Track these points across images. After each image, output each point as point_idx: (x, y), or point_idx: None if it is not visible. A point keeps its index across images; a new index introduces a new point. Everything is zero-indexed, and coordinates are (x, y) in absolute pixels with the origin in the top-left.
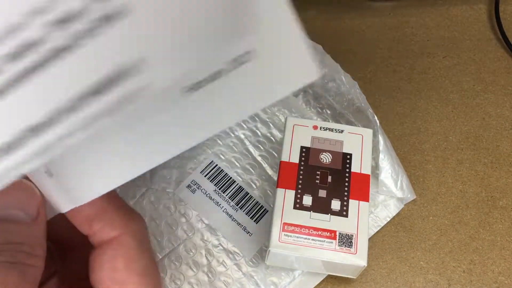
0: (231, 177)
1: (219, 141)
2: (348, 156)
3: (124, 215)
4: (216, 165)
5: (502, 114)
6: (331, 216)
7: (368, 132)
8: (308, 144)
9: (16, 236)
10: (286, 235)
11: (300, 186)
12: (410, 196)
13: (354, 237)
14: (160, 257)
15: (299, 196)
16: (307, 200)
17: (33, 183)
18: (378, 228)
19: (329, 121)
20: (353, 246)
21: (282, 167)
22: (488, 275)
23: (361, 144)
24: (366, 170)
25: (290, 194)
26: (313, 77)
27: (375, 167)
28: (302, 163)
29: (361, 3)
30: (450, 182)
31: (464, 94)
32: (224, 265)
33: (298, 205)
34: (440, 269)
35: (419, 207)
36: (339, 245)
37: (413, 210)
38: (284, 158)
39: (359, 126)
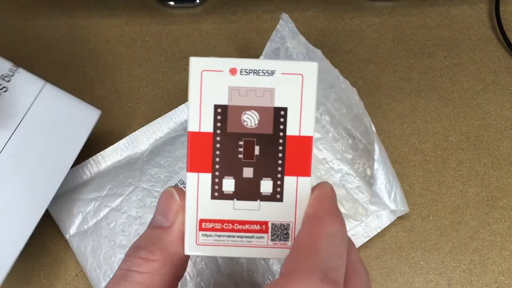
0: None
1: None
2: (282, 112)
3: None
4: None
5: (502, 114)
6: (261, 202)
7: (311, 68)
8: (224, 101)
9: (154, 240)
10: (204, 235)
11: (217, 167)
12: (403, 209)
13: (291, 227)
14: None
15: (217, 180)
16: (229, 184)
17: (175, 188)
18: (368, 239)
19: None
20: (290, 239)
21: (192, 140)
22: (488, 275)
23: (300, 89)
24: (308, 131)
25: (205, 178)
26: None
27: (370, 177)
28: (218, 131)
29: (361, 3)
30: (450, 182)
31: (464, 94)
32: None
33: (217, 193)
34: (440, 269)
35: (419, 207)
36: (272, 239)
37: (413, 210)
38: (193, 127)
39: (301, 63)
